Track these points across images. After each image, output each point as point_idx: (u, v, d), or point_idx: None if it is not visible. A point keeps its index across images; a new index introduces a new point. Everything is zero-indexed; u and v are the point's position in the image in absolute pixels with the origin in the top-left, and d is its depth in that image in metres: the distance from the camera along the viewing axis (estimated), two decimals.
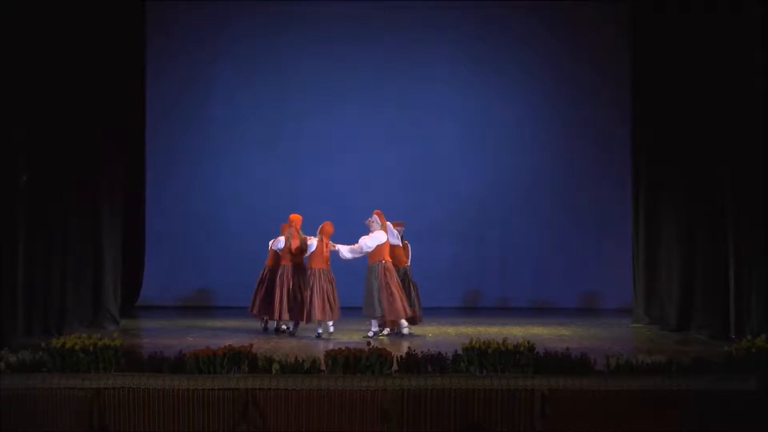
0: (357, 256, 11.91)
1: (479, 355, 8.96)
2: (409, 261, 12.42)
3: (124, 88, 13.59)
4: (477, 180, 15.52)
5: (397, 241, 12.15)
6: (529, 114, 15.63)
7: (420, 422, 8.72)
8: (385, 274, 11.73)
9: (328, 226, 12.06)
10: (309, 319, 11.82)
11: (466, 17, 15.48)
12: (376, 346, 9.14)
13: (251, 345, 9.32)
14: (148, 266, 15.35)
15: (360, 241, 11.84)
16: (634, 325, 13.37)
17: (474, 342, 9.12)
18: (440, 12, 15.42)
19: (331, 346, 10.31)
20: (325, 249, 11.91)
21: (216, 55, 15.58)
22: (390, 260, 11.88)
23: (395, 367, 9.05)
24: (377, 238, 11.78)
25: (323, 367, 9.04)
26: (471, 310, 15.16)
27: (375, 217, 11.91)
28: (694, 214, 12.14)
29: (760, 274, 11.12)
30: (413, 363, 9.02)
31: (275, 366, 8.97)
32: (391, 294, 11.69)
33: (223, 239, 15.37)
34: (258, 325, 12.59)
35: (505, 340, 9.13)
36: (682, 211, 12.36)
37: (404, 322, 11.94)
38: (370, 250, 11.76)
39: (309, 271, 11.92)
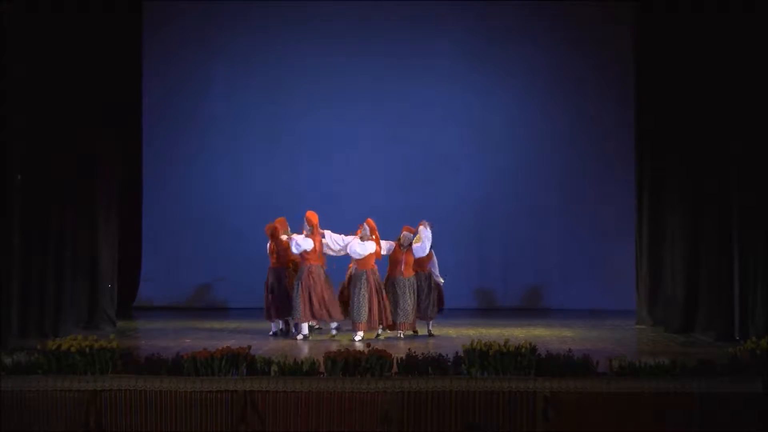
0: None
1: (480, 357, 8.90)
2: (413, 265, 12.18)
3: (122, 86, 13.53)
4: (478, 179, 15.43)
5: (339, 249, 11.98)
6: (531, 112, 15.52)
7: (421, 424, 8.67)
8: (308, 277, 11.74)
9: (277, 228, 12.14)
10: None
11: (467, 14, 15.38)
12: (376, 348, 9.07)
13: (249, 347, 9.26)
14: (146, 267, 15.26)
15: (293, 244, 11.80)
16: (638, 326, 13.29)
17: (475, 343, 9.07)
18: (441, 9, 15.33)
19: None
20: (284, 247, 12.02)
21: (214, 53, 15.50)
22: (317, 262, 11.79)
23: (395, 369, 8.98)
24: (301, 246, 11.71)
25: (322, 369, 8.96)
26: (472, 311, 15.06)
27: (305, 226, 11.89)
28: (699, 214, 12.05)
29: (765, 274, 11.05)
30: (413, 365, 8.95)
31: (274, 368, 8.91)
32: (298, 294, 11.71)
33: (221, 239, 15.28)
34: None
35: (506, 341, 9.07)
36: (687, 212, 12.28)
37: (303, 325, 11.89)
38: (294, 252, 11.84)
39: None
